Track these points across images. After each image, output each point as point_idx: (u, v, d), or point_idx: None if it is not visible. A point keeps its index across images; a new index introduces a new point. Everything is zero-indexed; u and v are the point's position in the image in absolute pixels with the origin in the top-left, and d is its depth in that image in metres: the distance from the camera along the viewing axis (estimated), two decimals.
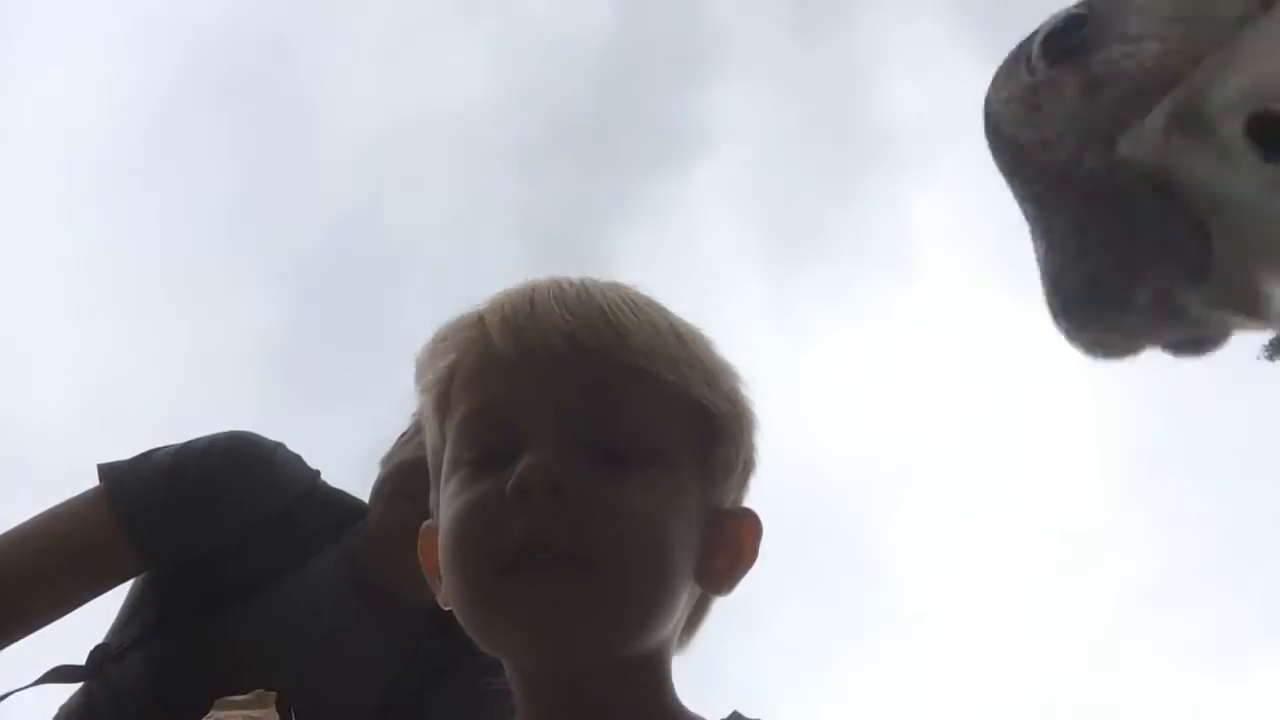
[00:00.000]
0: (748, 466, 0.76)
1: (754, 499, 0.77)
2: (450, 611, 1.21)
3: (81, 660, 1.20)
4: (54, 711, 1.21)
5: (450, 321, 0.73)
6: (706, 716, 0.71)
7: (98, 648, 1.20)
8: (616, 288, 0.73)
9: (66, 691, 1.21)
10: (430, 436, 0.75)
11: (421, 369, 0.74)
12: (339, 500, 1.28)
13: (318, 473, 1.29)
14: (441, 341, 0.73)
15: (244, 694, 0.94)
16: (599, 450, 0.67)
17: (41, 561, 1.14)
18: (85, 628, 1.22)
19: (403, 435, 1.26)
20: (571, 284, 0.72)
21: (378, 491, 1.21)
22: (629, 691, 0.68)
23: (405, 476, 1.17)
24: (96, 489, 1.18)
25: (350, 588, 1.20)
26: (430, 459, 0.76)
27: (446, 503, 0.69)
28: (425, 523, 0.77)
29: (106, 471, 1.19)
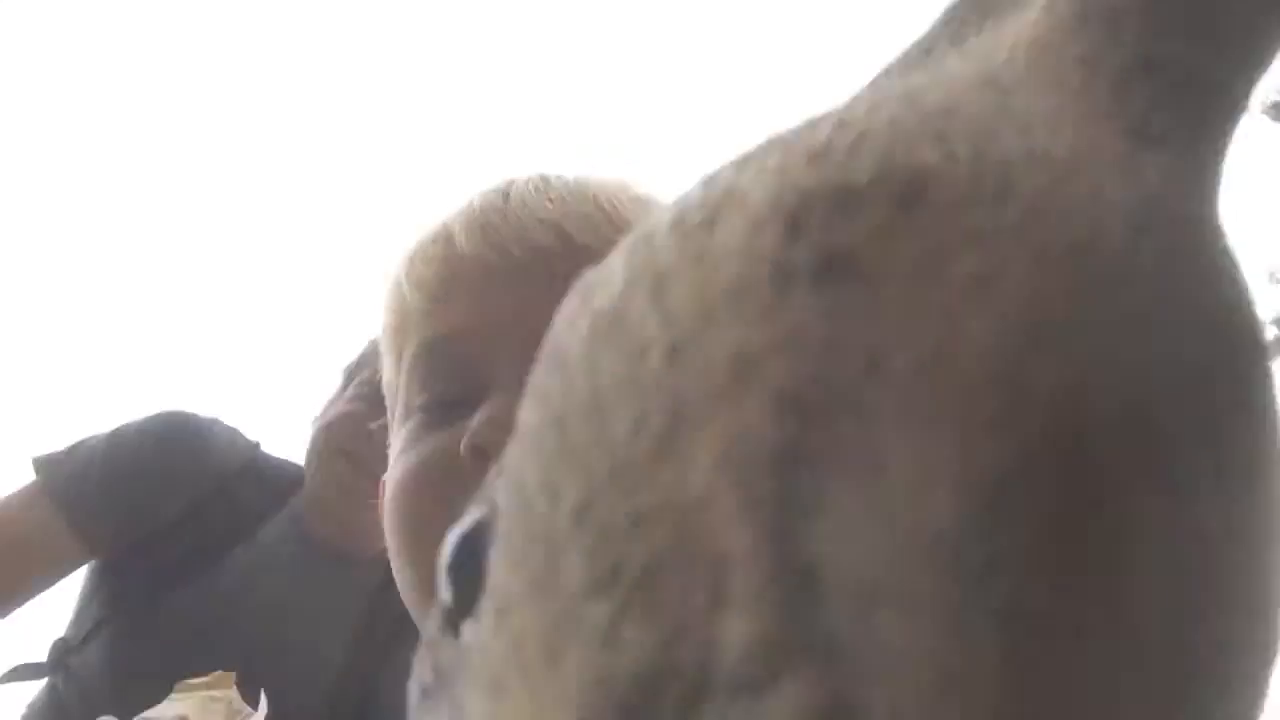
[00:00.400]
0: None
1: None
2: None
3: (43, 657, 1.19)
4: (23, 711, 1.20)
5: (419, 236, 0.57)
6: None
7: (57, 642, 1.20)
8: (617, 182, 0.56)
9: (29, 689, 1.20)
10: (386, 380, 0.59)
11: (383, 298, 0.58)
12: (281, 469, 1.27)
13: (258, 444, 1.29)
14: (402, 262, 0.56)
15: (203, 677, 0.95)
16: None
17: None
18: (47, 624, 1.21)
19: (331, 396, 1.27)
20: (560, 176, 0.56)
21: (312, 451, 1.21)
22: None
23: (336, 432, 1.18)
24: (33, 482, 1.18)
25: (300, 552, 1.20)
26: (389, 407, 0.59)
27: (392, 463, 0.54)
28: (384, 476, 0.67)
29: (42, 463, 1.19)
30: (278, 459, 1.29)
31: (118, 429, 1.22)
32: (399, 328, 0.55)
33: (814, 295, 0.16)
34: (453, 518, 0.43)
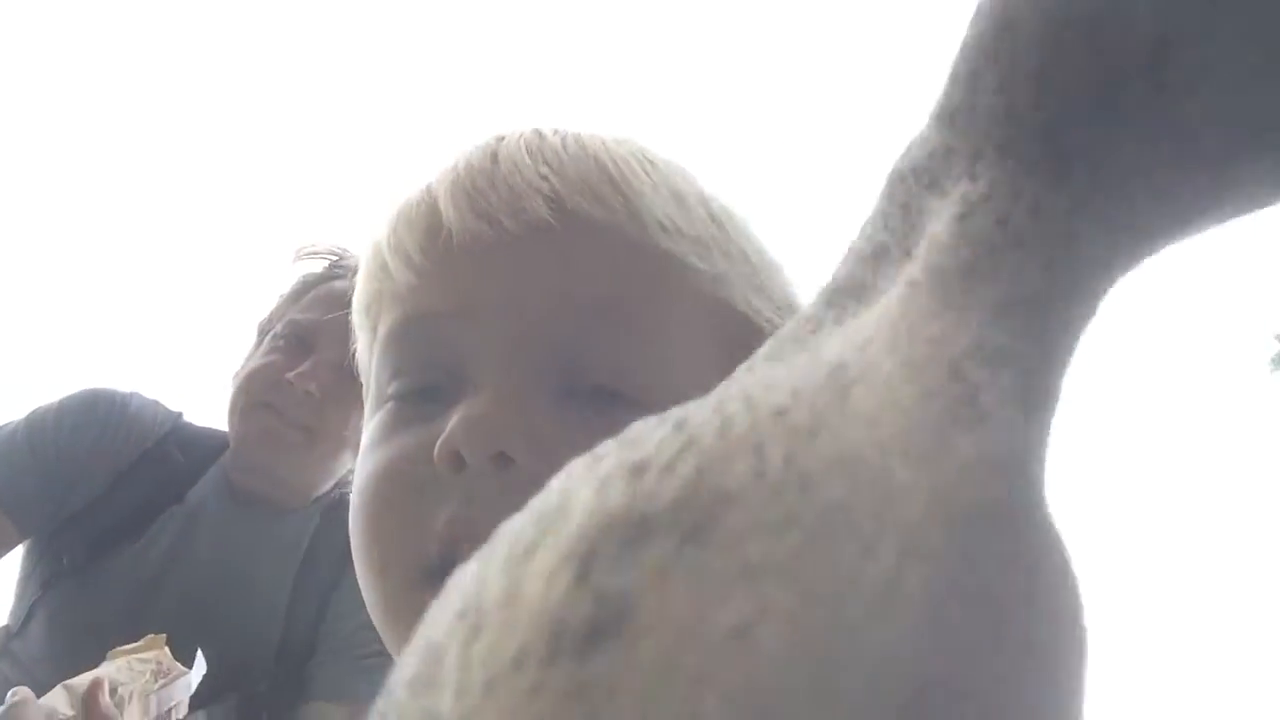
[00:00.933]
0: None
1: None
2: (337, 510, 1.20)
3: None
4: None
5: (402, 197, 0.48)
6: None
7: (0, 630, 1.20)
8: (625, 142, 0.47)
9: None
10: (359, 356, 0.53)
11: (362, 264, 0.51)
12: (206, 434, 1.29)
13: (180, 414, 1.30)
14: (383, 225, 0.48)
15: (136, 641, 0.96)
16: (582, 387, 0.42)
17: None
18: None
19: (249, 352, 1.28)
20: (558, 132, 0.46)
21: (233, 407, 1.22)
22: None
23: (255, 385, 1.19)
24: None
25: (230, 507, 1.22)
26: (364, 385, 0.52)
27: (361, 458, 0.47)
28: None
29: None
30: (201, 426, 1.31)
31: (34, 411, 1.23)
32: (374, 300, 0.48)
33: (575, 665, 0.15)
34: (424, 525, 0.41)
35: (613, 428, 0.36)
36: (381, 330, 0.47)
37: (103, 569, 1.17)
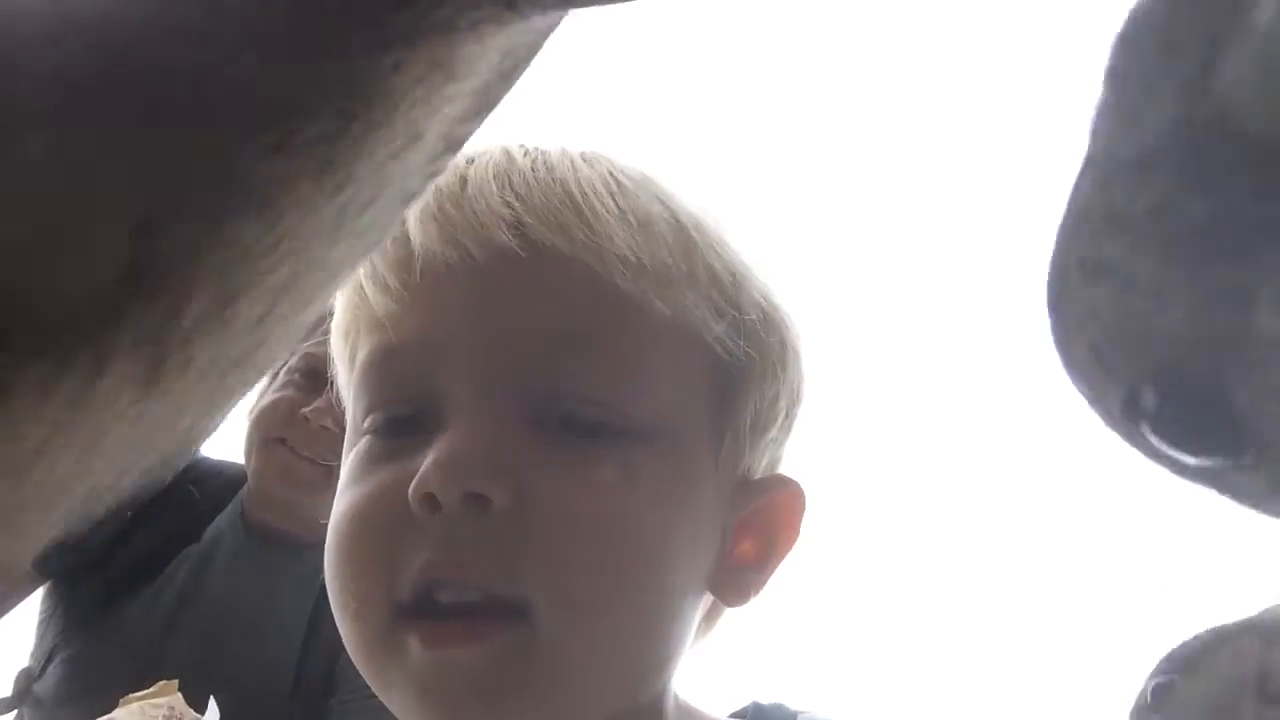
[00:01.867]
0: (790, 413, 0.49)
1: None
2: None
3: (8, 689, 1.19)
4: None
5: None
6: (712, 714, 0.51)
7: (22, 672, 1.19)
8: (596, 159, 0.46)
9: None
10: (339, 385, 0.52)
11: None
12: (222, 469, 1.28)
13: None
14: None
15: (149, 689, 0.94)
16: (552, 416, 0.42)
17: None
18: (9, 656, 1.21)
19: (263, 386, 1.26)
20: (528, 153, 0.45)
21: (248, 443, 1.21)
22: None
23: (269, 420, 1.18)
24: None
25: (246, 545, 1.21)
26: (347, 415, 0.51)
27: (337, 497, 0.46)
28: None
29: None
30: (217, 460, 1.29)
31: None
32: (351, 327, 0.47)
33: None
34: (398, 568, 0.41)
35: (585, 455, 0.41)
36: (358, 360, 0.46)
37: (120, 613, 1.16)
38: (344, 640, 0.46)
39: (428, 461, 0.41)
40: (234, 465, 1.27)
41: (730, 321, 0.45)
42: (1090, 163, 0.23)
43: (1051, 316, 0.24)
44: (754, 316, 0.46)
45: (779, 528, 0.48)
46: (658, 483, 0.42)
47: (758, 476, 0.48)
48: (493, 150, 0.46)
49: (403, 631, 0.41)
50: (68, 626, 1.17)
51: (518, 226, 0.42)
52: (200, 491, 1.24)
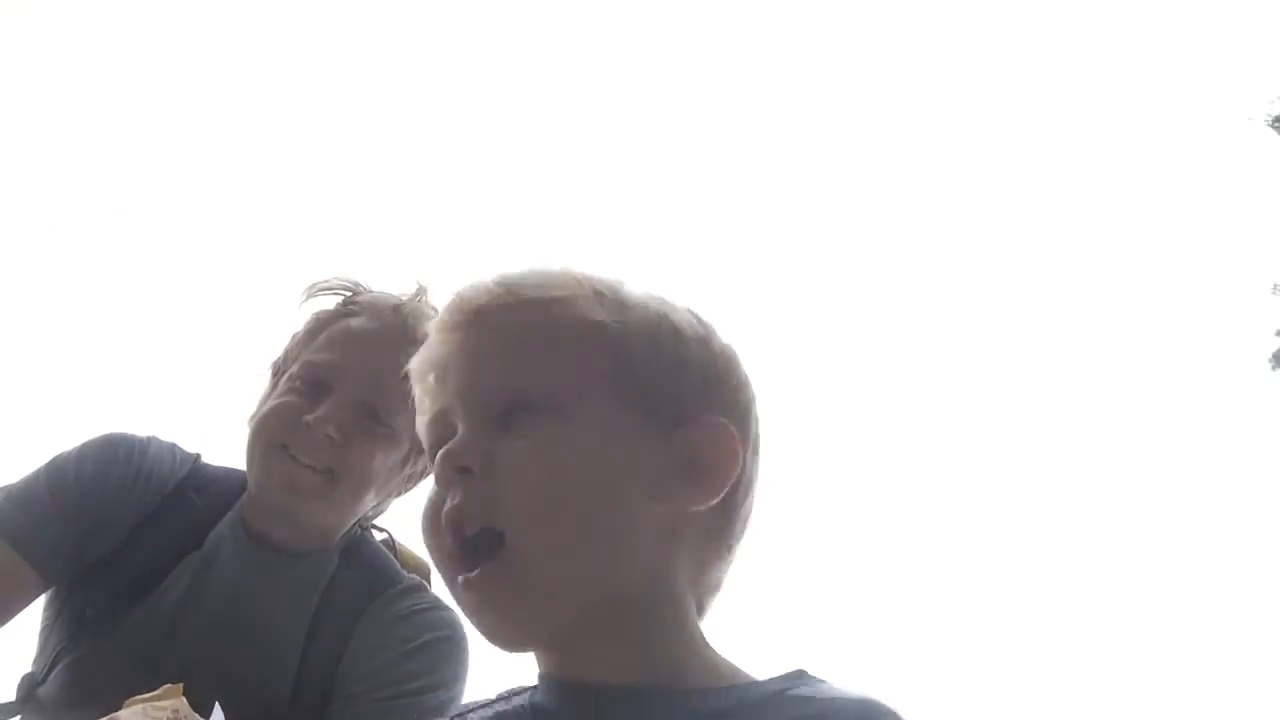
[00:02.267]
0: (706, 373, 0.67)
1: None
2: (356, 550, 1.23)
3: (11, 693, 1.20)
4: None
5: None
6: (749, 671, 0.65)
7: (25, 677, 1.20)
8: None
9: None
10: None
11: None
12: (224, 476, 1.28)
13: (198, 455, 1.30)
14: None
15: (154, 690, 0.96)
16: (508, 413, 0.64)
17: None
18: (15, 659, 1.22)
19: (262, 395, 1.27)
20: (485, 283, 0.71)
21: (250, 450, 1.21)
22: (625, 641, 0.63)
23: (271, 428, 1.18)
24: None
25: (247, 552, 1.20)
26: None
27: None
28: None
29: None
30: (219, 467, 1.30)
31: (55, 457, 1.23)
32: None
33: None
34: (443, 527, 0.64)
35: (528, 434, 0.63)
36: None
37: (123, 618, 1.16)
38: None
39: (437, 459, 0.66)
40: (235, 472, 1.27)
41: (606, 305, 0.67)
42: None
43: None
44: (625, 302, 0.68)
45: (708, 454, 0.65)
46: (577, 437, 0.63)
47: (686, 416, 0.66)
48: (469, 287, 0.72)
49: (454, 577, 0.65)
50: (71, 632, 1.18)
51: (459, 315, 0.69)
52: (202, 498, 1.24)
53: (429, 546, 0.67)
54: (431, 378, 0.68)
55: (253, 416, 1.23)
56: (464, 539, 0.63)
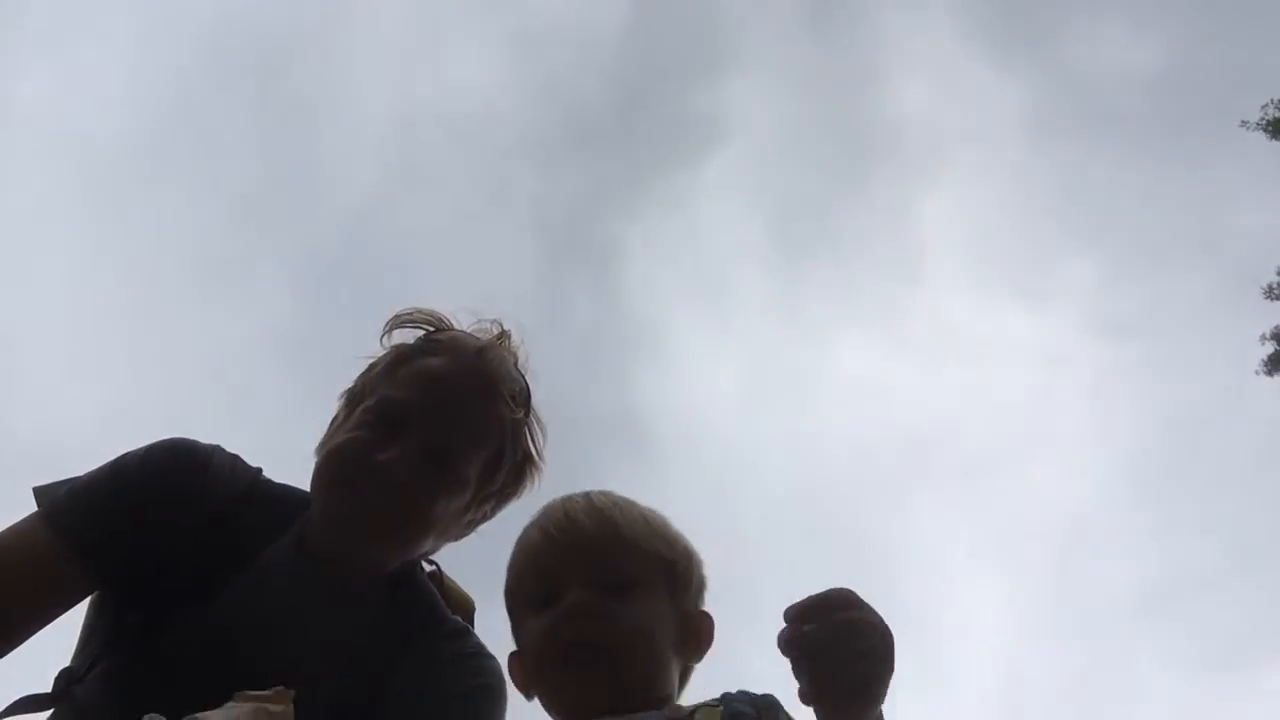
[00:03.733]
0: (700, 585, 1.18)
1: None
2: (407, 584, 1.25)
3: (48, 687, 1.19)
4: None
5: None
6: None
7: (62, 672, 1.20)
8: (604, 495, 1.17)
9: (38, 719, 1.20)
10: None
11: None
12: (283, 494, 1.27)
13: (259, 470, 1.29)
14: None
15: (264, 690, 0.96)
16: (610, 584, 1.10)
17: None
18: (54, 656, 1.21)
19: (333, 420, 1.27)
20: (584, 496, 1.17)
21: (318, 477, 1.20)
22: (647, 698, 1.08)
23: (340, 460, 1.18)
24: (34, 514, 1.18)
25: (303, 576, 1.20)
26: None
27: (526, 632, 1.14)
28: (511, 652, 1.16)
29: (42, 495, 1.19)
30: (279, 484, 1.29)
31: (119, 458, 1.22)
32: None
33: None
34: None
35: (622, 598, 1.11)
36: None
37: (166, 630, 1.15)
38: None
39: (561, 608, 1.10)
40: (295, 491, 1.27)
41: (672, 550, 1.16)
42: None
43: None
44: (682, 551, 1.17)
45: (702, 632, 1.17)
46: (649, 604, 1.12)
47: (691, 610, 1.16)
48: (571, 498, 1.19)
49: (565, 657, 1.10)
50: (113, 637, 1.17)
51: (586, 522, 1.15)
52: (258, 515, 1.23)
53: (559, 657, 1.07)
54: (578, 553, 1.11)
55: (323, 444, 1.22)
56: (582, 643, 1.05)
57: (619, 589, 1.09)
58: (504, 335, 1.27)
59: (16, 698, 1.18)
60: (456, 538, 1.28)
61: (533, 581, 1.11)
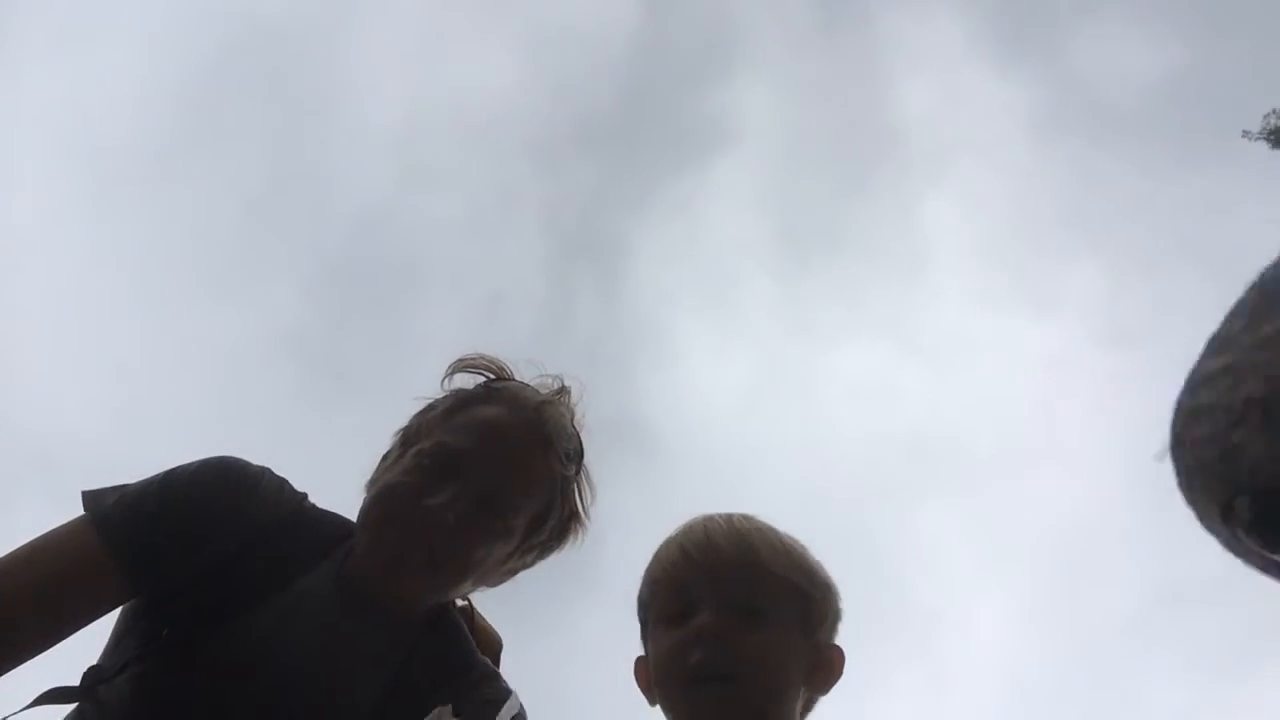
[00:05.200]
0: (835, 618, 1.19)
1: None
2: (441, 624, 1.26)
3: (75, 682, 1.20)
4: None
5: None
6: None
7: (90, 669, 1.21)
8: (746, 519, 1.20)
9: (62, 712, 1.21)
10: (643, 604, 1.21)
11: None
12: (326, 521, 1.29)
13: (304, 495, 1.30)
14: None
15: None
16: (743, 609, 1.11)
17: (32, 593, 1.15)
18: (79, 651, 1.21)
19: (385, 457, 1.28)
20: (726, 518, 1.20)
21: (366, 514, 1.22)
22: None
23: (393, 500, 1.19)
24: (81, 517, 1.19)
25: (339, 606, 1.21)
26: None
27: (655, 643, 1.17)
28: (638, 656, 1.20)
29: (91, 500, 1.20)
30: (324, 511, 1.30)
31: (170, 472, 1.24)
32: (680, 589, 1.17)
33: None
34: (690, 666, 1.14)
35: (754, 624, 1.15)
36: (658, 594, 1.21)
37: (198, 647, 1.15)
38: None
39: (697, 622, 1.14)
40: (337, 519, 1.28)
41: (809, 583, 1.19)
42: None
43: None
44: (819, 584, 1.20)
45: (833, 665, 1.19)
46: (779, 636, 1.15)
47: (823, 643, 1.19)
48: (711, 517, 1.22)
49: (695, 687, 1.13)
50: (145, 646, 1.18)
51: (732, 547, 1.18)
52: (301, 539, 1.24)
53: (686, 677, 1.11)
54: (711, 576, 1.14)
55: (373, 481, 1.24)
56: (711, 665, 1.08)
57: (751, 615, 1.11)
58: (564, 391, 1.28)
59: (46, 689, 1.19)
60: (494, 584, 1.30)
61: (666, 595, 1.15)
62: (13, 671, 1.16)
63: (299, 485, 1.31)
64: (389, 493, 1.20)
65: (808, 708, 1.17)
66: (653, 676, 1.15)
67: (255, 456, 1.31)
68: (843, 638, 1.21)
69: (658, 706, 1.14)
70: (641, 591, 1.19)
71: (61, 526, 1.19)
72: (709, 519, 1.20)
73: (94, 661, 1.22)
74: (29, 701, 1.20)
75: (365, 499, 1.23)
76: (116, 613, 1.24)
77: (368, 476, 1.27)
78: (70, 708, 1.21)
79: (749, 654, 1.09)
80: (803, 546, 1.20)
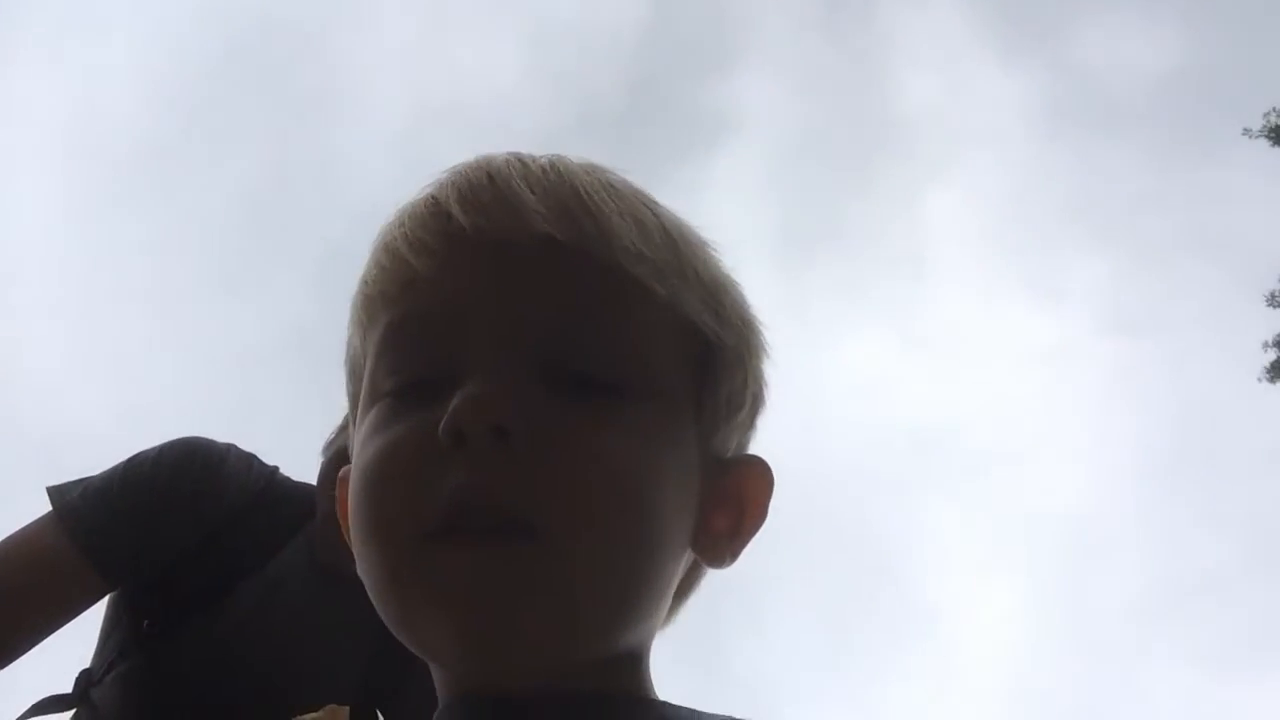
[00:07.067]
0: (756, 402, 0.58)
1: (762, 443, 0.59)
2: None
3: (69, 688, 1.19)
4: None
5: (406, 204, 0.54)
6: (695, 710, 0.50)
7: (82, 673, 1.20)
8: (593, 169, 0.54)
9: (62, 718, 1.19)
10: (351, 355, 0.57)
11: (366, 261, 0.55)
12: (298, 493, 1.24)
13: (275, 469, 1.26)
14: (391, 226, 0.54)
15: (316, 710, 0.94)
16: (564, 378, 0.49)
17: (2, 596, 1.12)
18: (78, 651, 1.21)
19: (343, 422, 1.22)
20: (537, 160, 0.53)
21: (322, 481, 1.18)
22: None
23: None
24: (49, 517, 1.16)
25: (314, 579, 1.18)
26: (349, 385, 0.58)
27: (359, 449, 0.52)
28: (343, 469, 0.59)
29: (56, 495, 1.17)
30: (295, 483, 1.27)
31: (132, 458, 1.20)
32: (379, 295, 0.53)
33: None
34: (428, 494, 0.46)
35: (595, 409, 0.48)
36: (381, 322, 0.53)
37: (179, 637, 1.14)
38: (364, 570, 0.51)
39: (457, 400, 0.47)
40: (308, 489, 1.24)
41: (713, 313, 0.54)
42: None
43: None
44: (731, 314, 0.56)
45: (748, 500, 0.56)
46: (654, 436, 0.50)
47: (729, 455, 0.56)
48: (505, 154, 0.54)
49: (432, 549, 0.46)
50: (129, 641, 1.16)
51: (540, 215, 0.50)
52: (272, 516, 1.21)
53: (386, 500, 0.49)
54: (454, 296, 0.51)
55: (329, 444, 1.20)
56: (459, 513, 0.45)
57: (582, 386, 0.49)
58: None
59: (41, 698, 1.18)
60: None
61: (397, 333, 0.52)
62: (10, 672, 1.13)
63: (303, 481, 1.28)
64: (345, 454, 1.20)
65: (688, 582, 0.56)
66: (350, 519, 0.53)
67: (262, 453, 1.27)
68: (713, 597, 0.59)
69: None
70: (350, 336, 0.57)
71: (28, 525, 1.16)
72: (507, 155, 0.54)
73: (89, 663, 1.20)
74: (22, 712, 1.18)
75: (322, 464, 1.19)
76: (102, 609, 1.21)
77: (326, 439, 1.22)
78: (69, 713, 1.19)
79: (575, 473, 0.46)
80: (702, 237, 0.56)
